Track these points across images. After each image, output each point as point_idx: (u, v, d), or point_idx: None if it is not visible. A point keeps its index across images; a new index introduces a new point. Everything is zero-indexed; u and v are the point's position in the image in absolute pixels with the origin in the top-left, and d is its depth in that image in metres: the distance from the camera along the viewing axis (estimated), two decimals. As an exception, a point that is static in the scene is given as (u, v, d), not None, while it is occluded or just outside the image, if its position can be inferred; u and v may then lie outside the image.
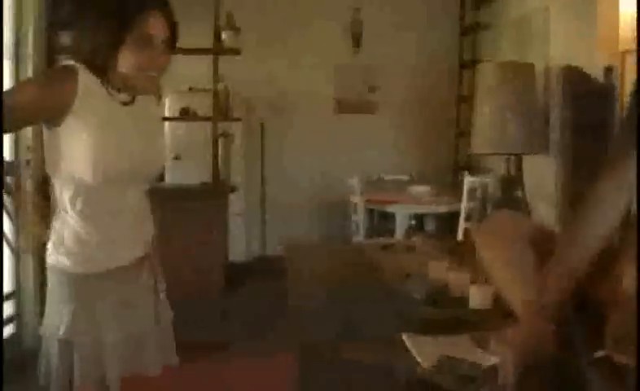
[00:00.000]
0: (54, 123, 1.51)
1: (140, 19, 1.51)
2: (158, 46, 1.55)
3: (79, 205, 1.57)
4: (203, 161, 4.63)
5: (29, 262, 3.54)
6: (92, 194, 1.56)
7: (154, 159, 1.70)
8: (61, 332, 1.57)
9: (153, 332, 1.72)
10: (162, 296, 1.79)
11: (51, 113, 1.50)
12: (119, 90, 1.59)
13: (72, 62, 1.53)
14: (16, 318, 3.52)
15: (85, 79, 1.52)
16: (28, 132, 3.36)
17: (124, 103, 1.62)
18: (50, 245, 1.62)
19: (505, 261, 1.27)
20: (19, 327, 3.52)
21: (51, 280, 1.62)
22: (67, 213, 1.58)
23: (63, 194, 1.57)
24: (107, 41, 1.50)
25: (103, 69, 1.55)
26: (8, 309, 3.42)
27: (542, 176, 4.23)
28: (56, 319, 1.58)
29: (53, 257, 1.60)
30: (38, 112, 1.50)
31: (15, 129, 1.59)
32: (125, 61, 1.52)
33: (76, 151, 1.52)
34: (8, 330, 3.41)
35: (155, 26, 1.54)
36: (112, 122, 1.58)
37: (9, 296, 3.44)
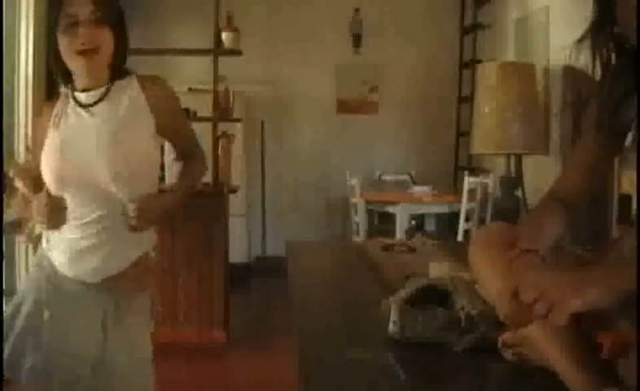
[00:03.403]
0: None
1: (62, 2, 1.58)
2: (82, 23, 1.57)
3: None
4: (203, 162, 4.62)
5: (26, 262, 3.55)
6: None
7: (113, 163, 1.61)
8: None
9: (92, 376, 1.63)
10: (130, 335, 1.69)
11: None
12: (83, 90, 1.65)
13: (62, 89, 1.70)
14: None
15: (60, 101, 1.67)
16: (28, 132, 3.36)
17: (89, 105, 1.64)
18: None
19: (494, 271, 1.28)
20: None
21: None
22: None
23: None
24: (49, 32, 1.62)
25: (65, 72, 1.65)
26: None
27: (542, 176, 4.23)
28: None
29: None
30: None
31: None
32: (62, 48, 1.59)
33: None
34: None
35: (74, 3, 1.58)
36: (63, 130, 1.64)
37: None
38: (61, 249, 1.64)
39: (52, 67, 1.65)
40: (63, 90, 1.68)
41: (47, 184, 1.61)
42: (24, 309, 1.64)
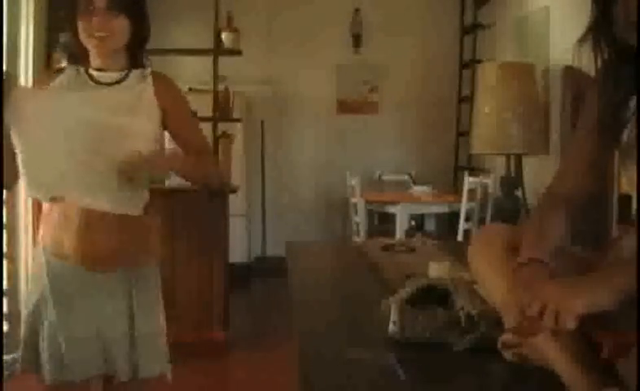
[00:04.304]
0: None
1: None
2: (98, 10, 1.65)
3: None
4: (203, 162, 4.62)
5: (25, 261, 3.55)
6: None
7: (124, 135, 1.69)
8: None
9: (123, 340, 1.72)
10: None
11: None
12: (97, 70, 1.72)
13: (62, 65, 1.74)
14: (10, 316, 3.51)
15: (63, 75, 1.73)
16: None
17: (102, 83, 1.72)
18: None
19: (493, 271, 1.28)
20: (13, 327, 3.51)
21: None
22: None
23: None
24: (69, 15, 1.68)
25: (81, 53, 1.71)
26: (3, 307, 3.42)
27: (542, 176, 4.23)
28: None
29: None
30: None
31: None
32: (80, 31, 1.67)
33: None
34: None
35: None
36: (70, 100, 1.68)
37: (5, 294, 3.43)
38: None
39: (69, 42, 1.73)
40: (68, 66, 1.75)
41: (34, 149, 1.63)
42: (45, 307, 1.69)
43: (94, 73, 1.73)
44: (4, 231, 3.45)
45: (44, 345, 1.67)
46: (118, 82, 1.72)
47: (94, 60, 1.73)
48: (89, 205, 1.66)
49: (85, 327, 1.68)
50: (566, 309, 1.02)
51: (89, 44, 1.69)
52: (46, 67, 3.50)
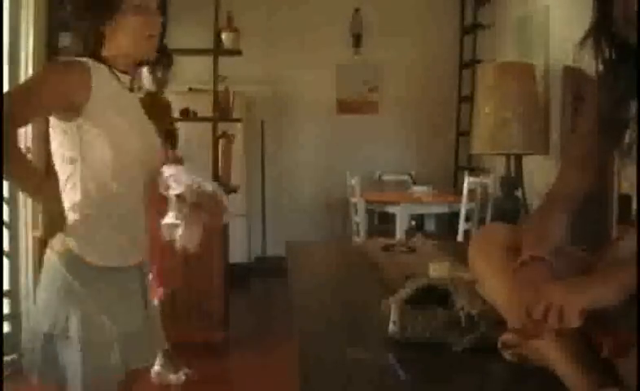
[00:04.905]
0: (67, 117, 1.52)
1: None
2: (152, 9, 1.61)
3: (94, 199, 1.57)
4: (203, 162, 4.62)
5: (26, 261, 3.55)
6: (108, 186, 1.58)
7: (156, 145, 1.75)
8: (70, 332, 1.54)
9: (145, 328, 1.71)
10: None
11: (66, 104, 1.51)
12: (126, 72, 1.64)
13: (81, 58, 1.55)
14: (12, 317, 3.52)
15: (97, 73, 1.54)
16: (28, 132, 3.36)
17: (130, 90, 1.67)
18: (59, 235, 1.58)
19: (493, 270, 1.29)
20: (14, 326, 3.52)
21: (55, 269, 1.57)
22: (79, 206, 1.56)
23: (76, 187, 1.56)
24: (103, 12, 1.55)
25: (103, 55, 1.59)
26: (4, 308, 3.42)
27: (542, 176, 4.23)
28: (61, 315, 1.55)
29: (60, 244, 1.57)
30: (53, 100, 1.50)
31: (28, 117, 1.54)
32: (126, 29, 1.57)
33: (96, 145, 1.54)
34: (4, 329, 3.40)
35: None
36: (127, 111, 1.63)
37: (5, 295, 3.43)
38: (104, 237, 1.61)
39: (87, 41, 1.58)
40: (93, 70, 1.53)
41: (103, 166, 1.56)
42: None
43: (119, 75, 1.63)
44: (5, 230, 3.46)
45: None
46: (131, 90, 1.71)
47: (124, 61, 1.62)
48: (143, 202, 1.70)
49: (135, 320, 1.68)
50: (570, 306, 1.02)
51: (137, 44, 1.60)
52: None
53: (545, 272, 1.15)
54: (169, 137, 3.40)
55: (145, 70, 3.34)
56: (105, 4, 1.55)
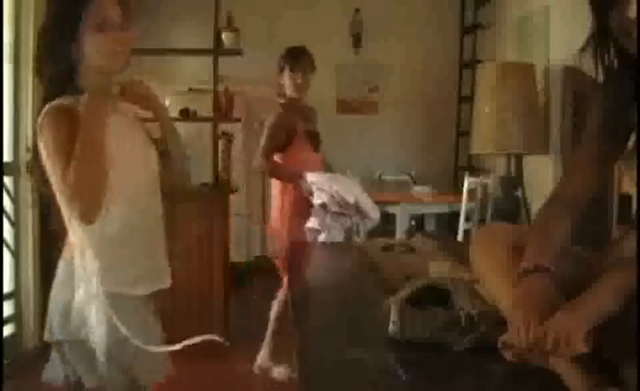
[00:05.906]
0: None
1: (92, 4, 1.53)
2: (116, 24, 1.57)
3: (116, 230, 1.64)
4: (203, 162, 4.62)
5: (29, 262, 3.54)
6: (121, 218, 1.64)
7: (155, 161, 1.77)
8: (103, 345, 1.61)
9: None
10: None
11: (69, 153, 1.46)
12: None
13: (64, 101, 1.51)
14: (15, 318, 3.52)
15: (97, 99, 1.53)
16: (27, 132, 3.37)
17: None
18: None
19: (494, 270, 1.29)
20: (18, 327, 3.52)
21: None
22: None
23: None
24: (68, 34, 1.52)
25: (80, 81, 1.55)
26: (7, 309, 3.42)
27: (542, 176, 4.23)
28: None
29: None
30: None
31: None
32: (92, 47, 1.54)
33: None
34: (7, 330, 3.41)
35: (109, 6, 1.57)
36: (121, 134, 1.61)
37: (8, 297, 3.44)
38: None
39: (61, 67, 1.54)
40: (87, 97, 1.51)
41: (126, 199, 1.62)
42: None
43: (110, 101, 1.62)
44: (10, 228, 3.45)
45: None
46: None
47: (98, 79, 1.58)
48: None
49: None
50: (575, 334, 1.04)
51: (107, 60, 1.58)
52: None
53: (548, 290, 1.14)
54: (312, 139, 3.31)
55: (286, 76, 3.29)
56: (67, 23, 1.52)
